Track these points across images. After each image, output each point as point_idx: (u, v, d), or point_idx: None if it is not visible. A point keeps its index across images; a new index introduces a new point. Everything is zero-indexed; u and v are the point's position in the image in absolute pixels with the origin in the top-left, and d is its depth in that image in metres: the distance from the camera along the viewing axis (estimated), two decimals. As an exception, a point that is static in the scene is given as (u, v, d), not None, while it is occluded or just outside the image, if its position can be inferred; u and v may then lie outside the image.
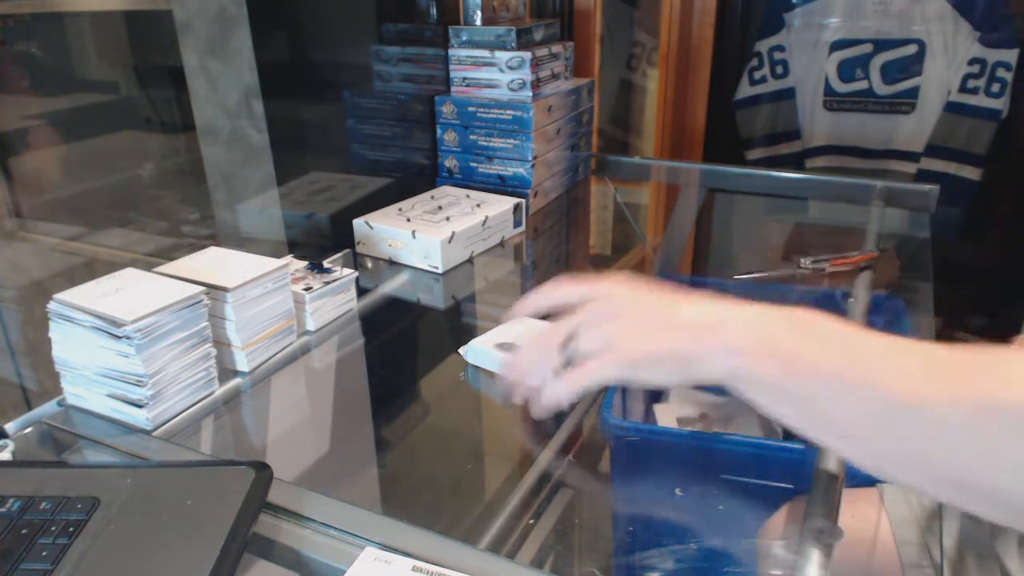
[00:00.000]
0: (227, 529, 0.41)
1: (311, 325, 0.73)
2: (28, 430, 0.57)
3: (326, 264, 0.78)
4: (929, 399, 0.36)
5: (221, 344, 0.64)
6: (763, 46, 1.83)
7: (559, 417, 1.19)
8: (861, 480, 0.72)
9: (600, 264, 1.70)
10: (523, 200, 1.02)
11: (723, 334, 0.43)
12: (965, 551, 0.63)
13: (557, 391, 0.51)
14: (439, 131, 1.09)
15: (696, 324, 0.45)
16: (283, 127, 0.86)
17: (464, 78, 1.07)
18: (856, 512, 0.68)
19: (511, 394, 0.56)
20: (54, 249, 0.94)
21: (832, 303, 0.88)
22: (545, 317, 0.57)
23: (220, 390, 0.64)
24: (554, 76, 1.09)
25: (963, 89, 1.67)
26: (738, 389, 0.43)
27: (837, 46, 1.78)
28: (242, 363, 0.66)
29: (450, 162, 1.10)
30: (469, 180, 1.09)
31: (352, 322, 0.78)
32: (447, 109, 1.07)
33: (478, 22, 1.08)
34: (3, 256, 0.94)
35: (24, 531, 0.41)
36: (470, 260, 0.93)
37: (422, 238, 0.88)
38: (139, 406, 0.57)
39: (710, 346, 0.44)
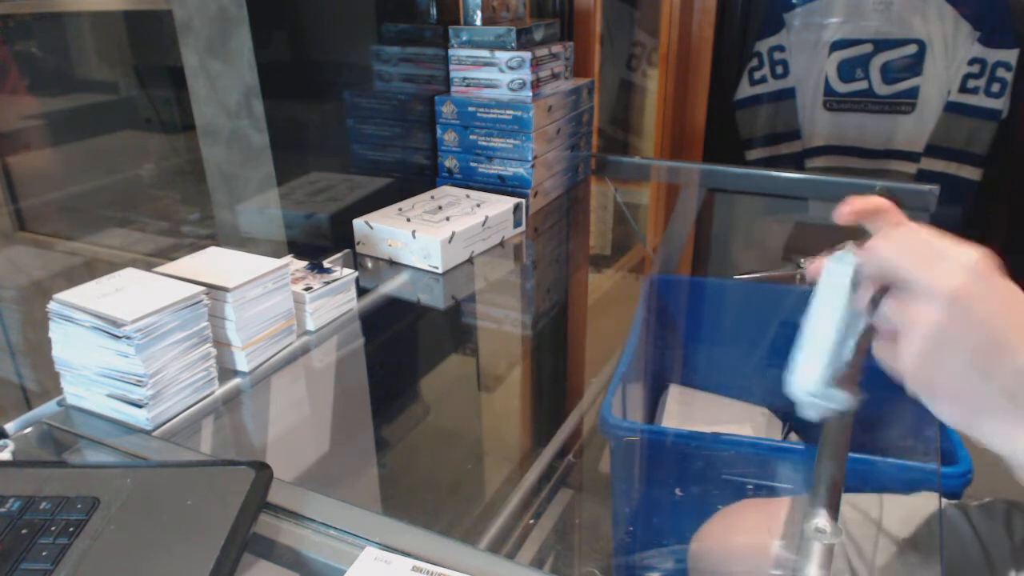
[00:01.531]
0: (227, 529, 0.41)
1: (311, 325, 0.73)
2: (28, 430, 0.57)
3: (326, 264, 0.78)
4: None
5: (221, 344, 0.64)
6: (763, 46, 1.83)
7: (558, 417, 1.19)
8: (860, 486, 0.72)
9: (600, 264, 1.70)
10: (523, 200, 1.02)
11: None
12: (962, 564, 0.64)
13: None
14: (439, 131, 1.09)
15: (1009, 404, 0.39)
16: (283, 127, 0.86)
17: (464, 78, 1.07)
18: (856, 518, 0.68)
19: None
20: (54, 249, 0.94)
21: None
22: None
23: (220, 390, 0.64)
24: (554, 76, 1.09)
25: (963, 89, 1.67)
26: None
27: (837, 46, 1.78)
28: (242, 363, 0.66)
29: (450, 162, 1.10)
30: (469, 180, 1.09)
31: (352, 322, 0.78)
32: (447, 109, 1.07)
33: (478, 22, 1.08)
34: (3, 256, 0.94)
35: (24, 531, 0.41)
36: (470, 260, 0.93)
37: (422, 238, 0.88)
38: (139, 406, 0.57)
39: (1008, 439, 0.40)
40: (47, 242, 0.94)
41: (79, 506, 0.43)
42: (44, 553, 0.40)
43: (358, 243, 0.93)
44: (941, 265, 0.40)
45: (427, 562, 0.41)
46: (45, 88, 0.92)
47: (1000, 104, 1.65)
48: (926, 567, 0.63)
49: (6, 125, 0.90)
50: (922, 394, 0.42)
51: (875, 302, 0.43)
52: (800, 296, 0.49)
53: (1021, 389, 0.39)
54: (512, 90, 1.04)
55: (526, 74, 1.02)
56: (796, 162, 1.90)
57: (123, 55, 0.94)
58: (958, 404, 0.41)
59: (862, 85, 1.78)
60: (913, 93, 1.74)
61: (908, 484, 0.71)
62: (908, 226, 0.43)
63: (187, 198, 0.98)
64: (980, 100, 1.66)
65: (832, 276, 0.46)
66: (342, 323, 0.77)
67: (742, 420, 1.14)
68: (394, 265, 0.91)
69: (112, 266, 0.63)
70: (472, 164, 1.08)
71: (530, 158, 1.04)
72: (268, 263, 0.67)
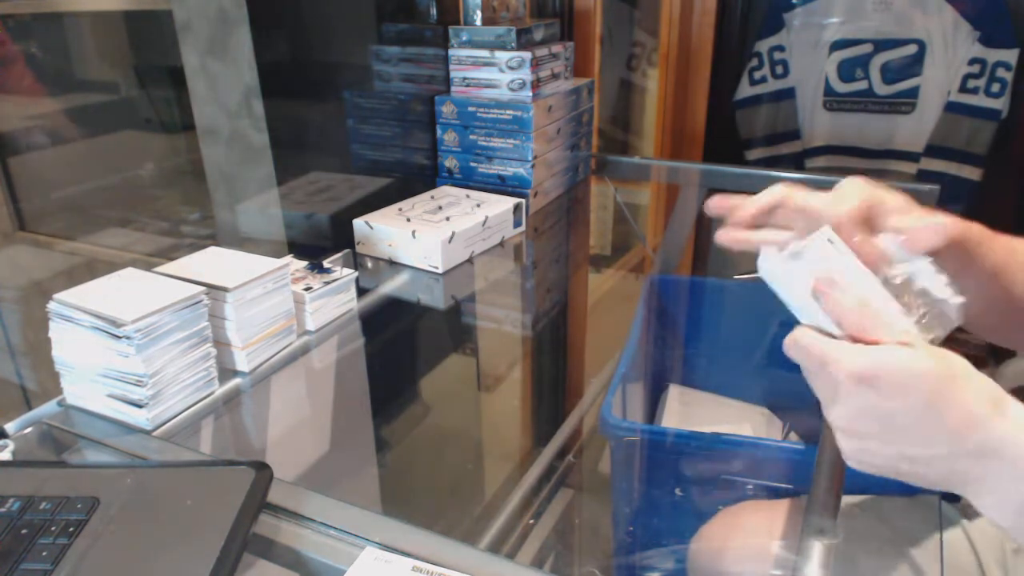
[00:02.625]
0: (227, 529, 0.41)
1: (311, 325, 0.73)
2: (28, 430, 0.57)
3: (326, 264, 0.78)
4: None
5: (221, 344, 0.64)
6: (763, 46, 1.83)
7: (558, 417, 1.19)
8: (860, 486, 0.72)
9: (600, 264, 1.70)
10: (523, 200, 1.02)
11: (982, 491, 0.39)
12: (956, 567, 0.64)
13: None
14: (439, 131, 1.09)
15: (958, 465, 0.39)
16: (283, 127, 0.86)
17: (464, 78, 1.07)
18: (856, 519, 0.68)
19: None
20: (54, 249, 0.94)
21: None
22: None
23: (220, 390, 0.64)
24: (554, 76, 1.09)
25: (963, 89, 1.67)
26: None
27: (837, 46, 1.78)
28: (242, 363, 0.66)
29: (450, 162, 1.10)
30: (469, 180, 1.09)
31: (352, 322, 0.78)
32: (447, 109, 1.07)
33: (478, 22, 1.08)
34: (3, 256, 0.94)
35: (24, 531, 0.41)
36: (470, 260, 0.93)
37: (422, 238, 0.88)
38: (139, 406, 0.57)
39: (964, 489, 0.40)
40: (47, 242, 0.94)
41: (79, 506, 0.43)
42: (44, 553, 0.40)
43: (358, 243, 0.93)
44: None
45: (427, 562, 0.41)
46: (45, 88, 0.92)
47: (1000, 104, 1.65)
48: (925, 568, 0.63)
49: (7, 125, 0.90)
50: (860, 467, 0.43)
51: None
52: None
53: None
54: (512, 90, 1.04)
55: (526, 74, 1.02)
56: (796, 162, 1.90)
57: (123, 55, 0.94)
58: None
59: (862, 85, 1.78)
60: (913, 93, 1.74)
61: (907, 484, 0.71)
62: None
63: (187, 198, 0.98)
64: (980, 100, 1.66)
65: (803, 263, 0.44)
66: (342, 323, 0.77)
67: (742, 420, 1.14)
68: (394, 265, 0.91)
69: (112, 266, 0.63)
70: (472, 164, 1.08)
71: (530, 158, 1.04)
72: (268, 263, 0.67)
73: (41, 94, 0.91)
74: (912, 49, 1.71)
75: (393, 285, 0.88)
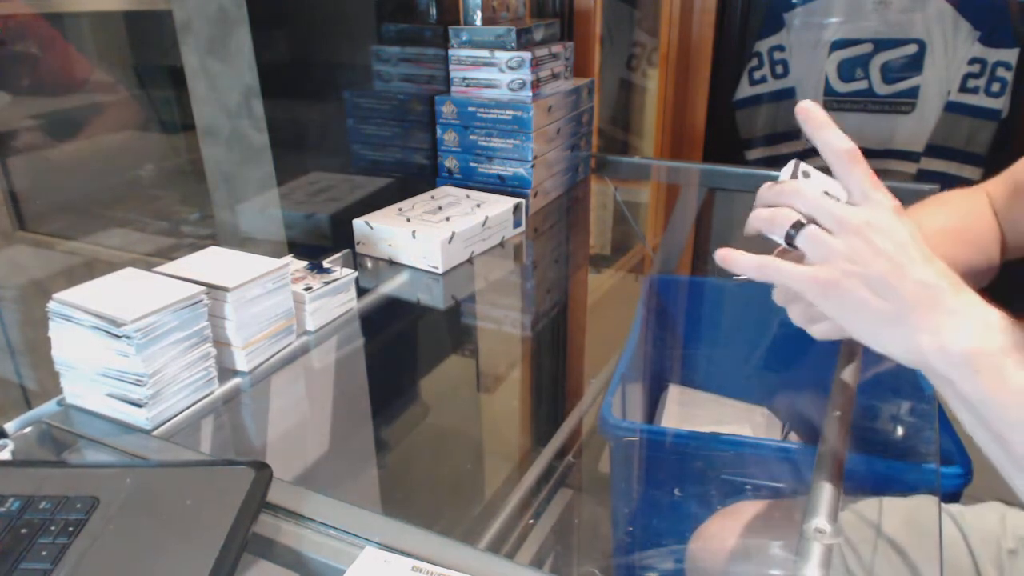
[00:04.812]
0: (227, 529, 0.41)
1: (311, 325, 0.73)
2: (28, 430, 0.57)
3: (326, 264, 0.78)
4: None
5: (221, 344, 0.64)
6: (763, 46, 1.83)
7: (558, 417, 1.19)
8: (860, 486, 0.72)
9: (600, 264, 1.70)
10: (523, 200, 1.02)
11: (940, 328, 0.42)
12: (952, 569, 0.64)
13: (747, 262, 0.51)
14: (439, 131, 1.09)
15: (919, 298, 0.43)
16: (283, 127, 0.86)
17: (464, 78, 1.07)
18: (854, 522, 0.68)
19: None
20: (54, 249, 0.94)
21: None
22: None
23: (220, 390, 0.64)
24: (554, 76, 1.09)
25: (963, 89, 1.67)
26: (924, 372, 0.43)
27: (837, 46, 1.78)
28: (242, 363, 0.66)
29: (450, 162, 1.10)
30: (469, 180, 1.09)
31: (352, 322, 0.78)
32: (447, 109, 1.07)
33: (478, 22, 1.08)
34: (3, 256, 0.94)
35: (24, 531, 0.41)
36: (470, 260, 0.93)
37: (422, 238, 0.88)
38: (139, 406, 0.57)
39: (917, 330, 0.43)
40: (47, 242, 0.94)
41: (78, 506, 0.43)
42: (44, 553, 0.40)
43: (358, 243, 0.93)
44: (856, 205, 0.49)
45: (427, 562, 0.41)
46: (45, 88, 0.92)
47: (1000, 104, 1.65)
48: (924, 569, 0.63)
49: (6, 125, 0.90)
50: (831, 312, 0.47)
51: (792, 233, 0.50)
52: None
53: (920, 297, 0.43)
54: (512, 90, 1.04)
55: (526, 74, 1.02)
56: (796, 162, 1.90)
57: (123, 55, 0.94)
58: (867, 318, 0.45)
59: (862, 85, 1.78)
60: (913, 93, 1.74)
61: (907, 484, 0.71)
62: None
63: (187, 198, 0.98)
64: (980, 100, 1.66)
65: None
66: (342, 323, 0.77)
67: (741, 420, 1.14)
68: (394, 265, 0.91)
69: (112, 266, 0.63)
70: (472, 164, 1.08)
71: (530, 158, 1.04)
72: (268, 263, 0.67)
73: (39, 94, 0.91)
74: (912, 49, 1.71)
75: (393, 285, 0.88)
